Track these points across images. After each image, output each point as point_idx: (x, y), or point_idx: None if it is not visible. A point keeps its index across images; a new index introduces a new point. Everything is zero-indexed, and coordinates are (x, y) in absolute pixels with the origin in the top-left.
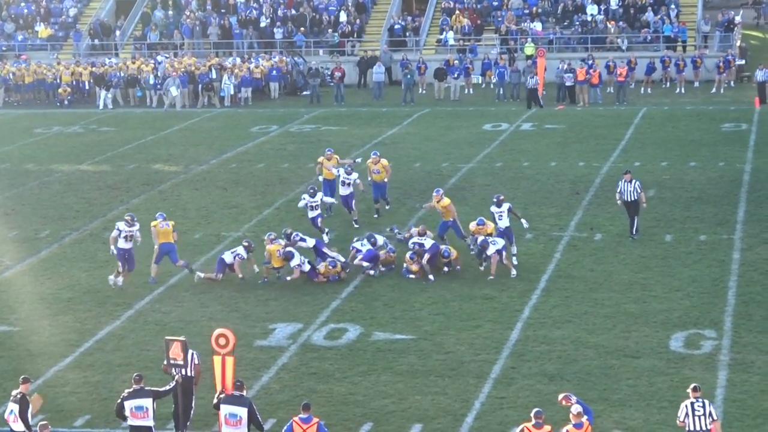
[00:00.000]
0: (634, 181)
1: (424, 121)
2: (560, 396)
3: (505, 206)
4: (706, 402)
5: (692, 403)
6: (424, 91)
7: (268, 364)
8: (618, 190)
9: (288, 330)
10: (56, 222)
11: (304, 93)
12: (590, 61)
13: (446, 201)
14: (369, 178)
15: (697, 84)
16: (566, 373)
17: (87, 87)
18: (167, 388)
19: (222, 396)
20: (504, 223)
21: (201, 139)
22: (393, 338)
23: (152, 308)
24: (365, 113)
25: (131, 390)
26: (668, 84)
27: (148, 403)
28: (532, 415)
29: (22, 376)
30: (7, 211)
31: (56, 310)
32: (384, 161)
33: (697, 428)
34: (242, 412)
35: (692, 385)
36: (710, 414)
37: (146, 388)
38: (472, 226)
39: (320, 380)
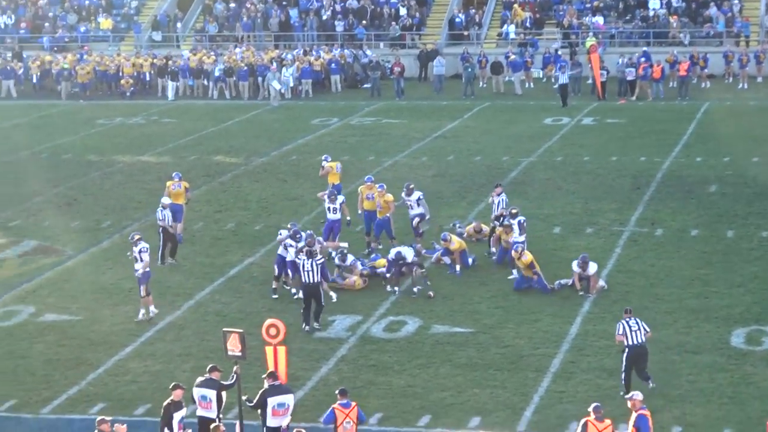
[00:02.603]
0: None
1: (485, 115)
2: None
3: (416, 195)
4: (639, 320)
5: (627, 321)
6: (484, 85)
7: (327, 355)
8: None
9: (347, 322)
10: (118, 212)
11: (365, 86)
12: (650, 57)
13: (389, 197)
14: (359, 210)
15: (760, 80)
16: None
17: (148, 78)
18: (230, 382)
19: (267, 387)
20: (415, 212)
21: (261, 131)
22: (452, 331)
23: (212, 299)
24: (425, 107)
25: (202, 379)
26: (731, 79)
27: (212, 394)
28: (591, 409)
29: (173, 383)
30: (70, 202)
31: (117, 300)
32: (388, 196)
33: (636, 341)
34: (289, 399)
35: (625, 308)
36: (644, 328)
37: (214, 378)
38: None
39: (379, 372)
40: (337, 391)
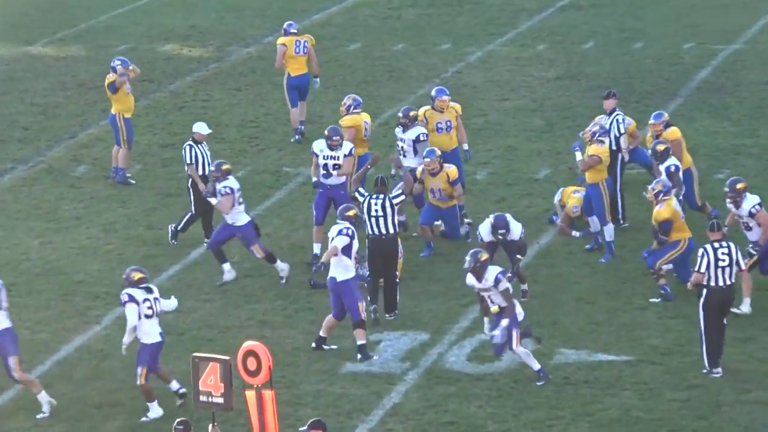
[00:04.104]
0: None
1: None
2: None
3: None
4: (732, 246)
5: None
6: None
7: (369, 405)
8: None
9: (403, 345)
10: None
11: None
12: None
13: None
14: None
15: None
16: None
17: None
18: None
19: None
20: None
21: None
22: (592, 360)
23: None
24: None
25: None
26: None
27: None
28: None
29: None
30: None
31: None
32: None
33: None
34: None
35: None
36: (737, 262)
37: None
38: None
39: None
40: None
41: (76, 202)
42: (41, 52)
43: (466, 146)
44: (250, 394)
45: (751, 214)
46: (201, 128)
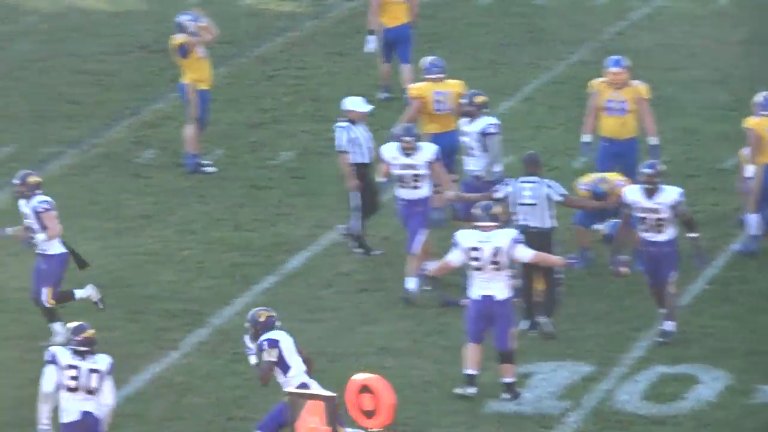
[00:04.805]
0: None
1: None
2: None
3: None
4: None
5: None
6: None
7: None
8: None
9: (560, 379)
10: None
11: None
12: None
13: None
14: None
15: None
16: None
17: None
18: None
19: None
20: None
21: None
22: None
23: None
24: None
25: None
26: None
27: None
28: None
29: None
30: None
31: None
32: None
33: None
34: None
35: None
36: None
37: None
38: None
39: None
40: None
41: (142, 197)
42: (91, 6)
43: (654, 140)
44: None
45: None
46: (357, 104)
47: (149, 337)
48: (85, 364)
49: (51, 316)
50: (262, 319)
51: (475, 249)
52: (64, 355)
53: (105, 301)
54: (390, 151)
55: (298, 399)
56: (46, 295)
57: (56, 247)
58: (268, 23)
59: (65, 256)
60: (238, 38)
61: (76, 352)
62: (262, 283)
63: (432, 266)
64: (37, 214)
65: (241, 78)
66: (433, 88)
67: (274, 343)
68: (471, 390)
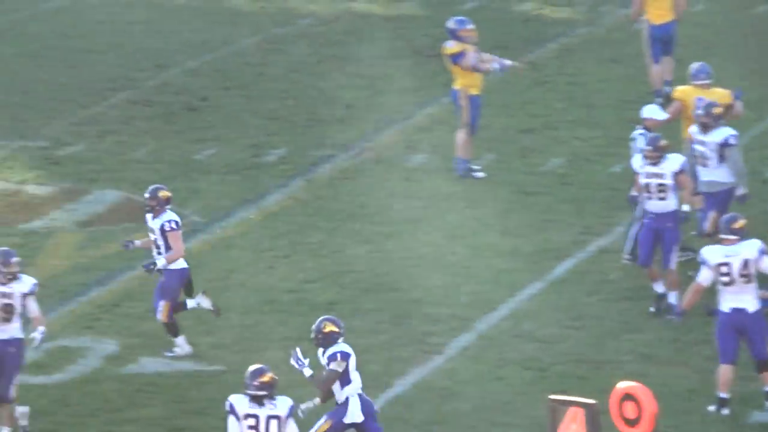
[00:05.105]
0: None
1: None
2: None
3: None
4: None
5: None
6: None
7: None
8: None
9: None
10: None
11: None
12: None
13: None
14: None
15: None
16: None
17: None
18: None
19: None
20: None
21: None
22: None
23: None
24: None
25: None
26: None
27: None
28: None
29: None
30: None
31: None
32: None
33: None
34: None
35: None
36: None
37: None
38: None
39: None
40: None
41: (411, 201)
42: (367, 9)
43: None
44: None
45: None
46: (654, 112)
47: (414, 341)
48: (263, 411)
49: (174, 330)
50: (326, 330)
51: (723, 264)
52: (242, 404)
53: (366, 306)
54: (638, 161)
55: (559, 406)
56: (162, 310)
57: (178, 262)
58: (542, 30)
59: (186, 272)
60: (512, 44)
61: (254, 398)
62: (528, 288)
63: (685, 299)
64: (164, 232)
65: (513, 84)
66: (696, 93)
67: (346, 356)
68: (724, 411)
